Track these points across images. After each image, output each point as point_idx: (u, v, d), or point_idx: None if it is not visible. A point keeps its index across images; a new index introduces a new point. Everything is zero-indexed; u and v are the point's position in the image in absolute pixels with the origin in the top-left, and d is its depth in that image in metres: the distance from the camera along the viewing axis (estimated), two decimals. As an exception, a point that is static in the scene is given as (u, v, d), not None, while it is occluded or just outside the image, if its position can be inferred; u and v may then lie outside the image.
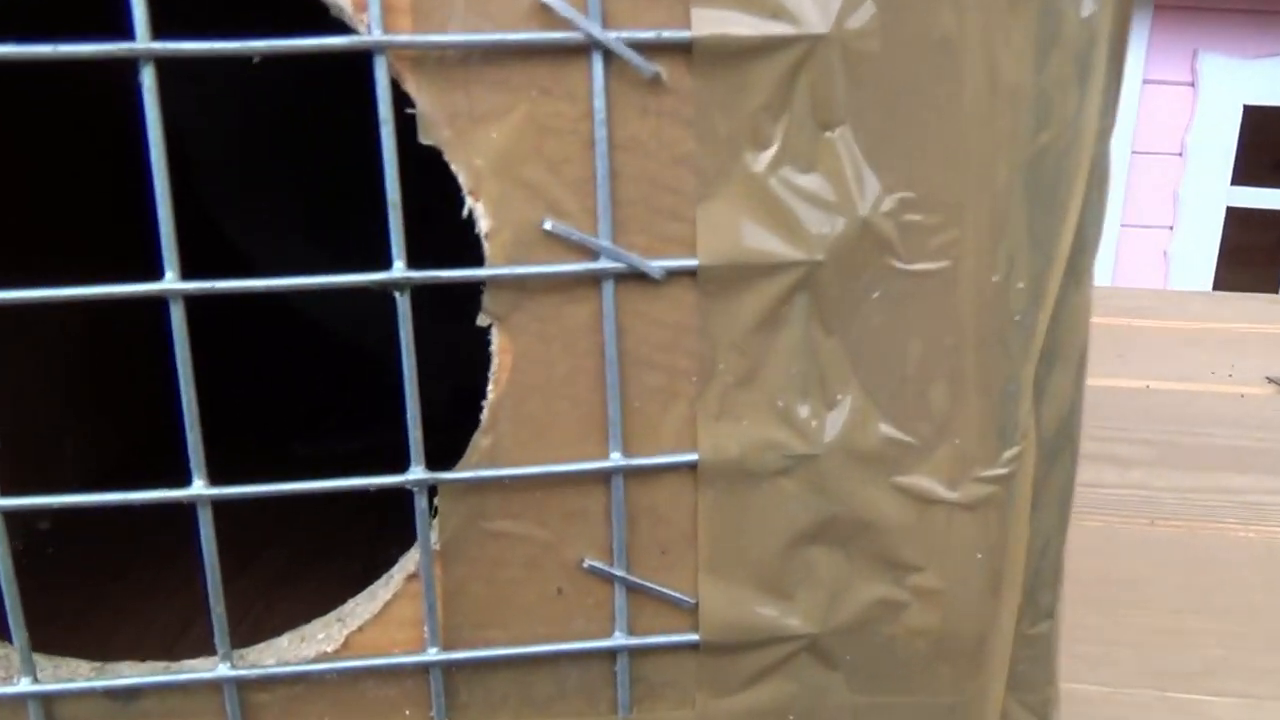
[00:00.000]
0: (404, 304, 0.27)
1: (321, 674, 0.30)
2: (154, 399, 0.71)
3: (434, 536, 0.30)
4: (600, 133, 0.27)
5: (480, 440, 0.29)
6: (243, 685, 0.30)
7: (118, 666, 0.32)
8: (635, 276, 0.28)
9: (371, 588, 0.32)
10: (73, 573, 0.50)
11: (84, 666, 0.31)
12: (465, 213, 0.28)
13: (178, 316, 0.26)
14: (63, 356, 0.57)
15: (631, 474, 0.30)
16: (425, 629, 0.30)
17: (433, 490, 0.29)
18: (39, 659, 0.30)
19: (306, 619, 0.48)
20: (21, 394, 0.53)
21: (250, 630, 0.48)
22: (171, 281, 0.26)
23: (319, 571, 0.53)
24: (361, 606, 0.31)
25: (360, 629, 0.30)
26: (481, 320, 0.28)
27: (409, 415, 0.28)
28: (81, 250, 0.59)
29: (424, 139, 0.27)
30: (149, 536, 0.56)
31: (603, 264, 0.28)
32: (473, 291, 0.28)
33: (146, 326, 0.71)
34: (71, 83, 0.59)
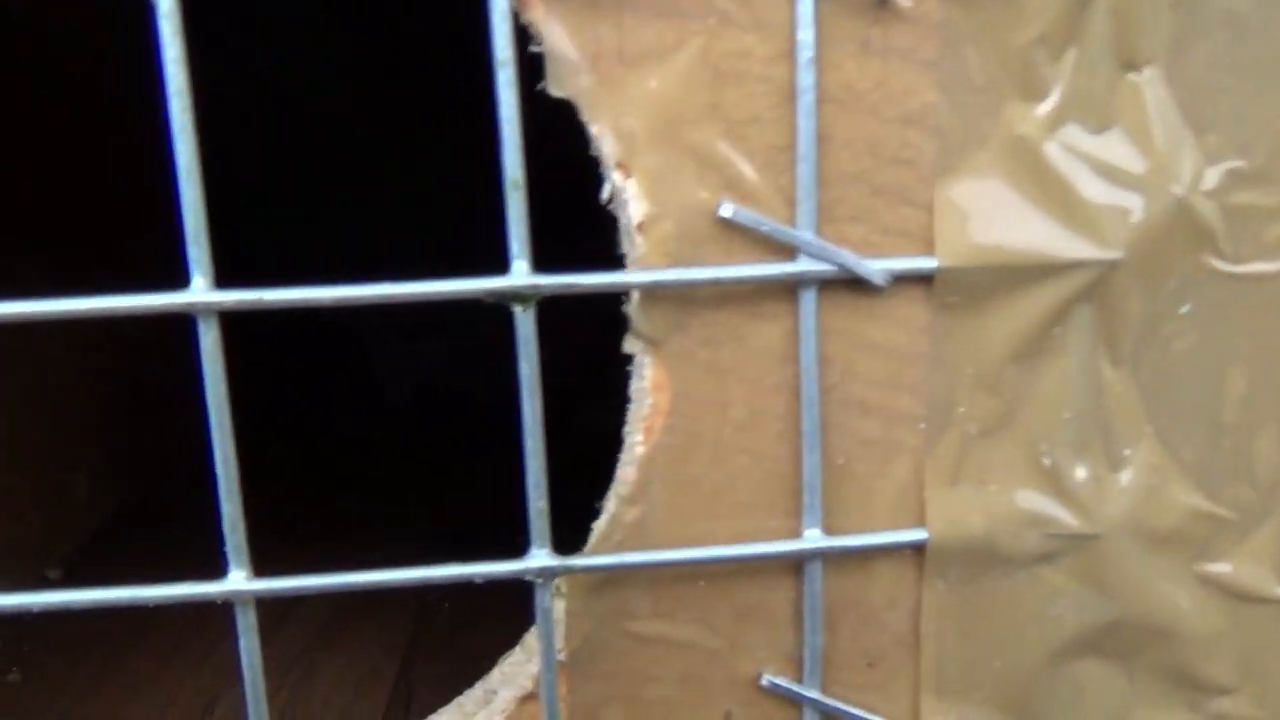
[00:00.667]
0: (526, 322, 0.19)
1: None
2: (172, 432, 0.65)
3: (557, 642, 0.22)
4: (805, 79, 0.19)
5: (623, 513, 0.21)
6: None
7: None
8: (846, 283, 0.20)
9: (460, 702, 0.24)
10: (85, 634, 0.43)
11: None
12: (607, 192, 0.20)
13: (209, 339, 0.18)
14: (77, 388, 0.51)
15: (833, 558, 0.21)
16: (546, 771, 0.22)
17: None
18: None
19: (350, 685, 0.40)
20: (31, 427, 0.47)
21: (289, 699, 0.41)
22: (202, 292, 0.18)
23: (362, 625, 0.45)
24: (456, 734, 0.23)
25: (455, 767, 0.22)
26: (628, 346, 0.20)
27: (531, 484, 0.20)
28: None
29: (554, 89, 0.19)
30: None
31: (802, 265, 0.20)
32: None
33: (167, 354, 0.65)
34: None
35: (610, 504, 0.21)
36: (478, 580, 0.20)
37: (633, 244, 0.20)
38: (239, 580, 0.20)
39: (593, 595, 0.21)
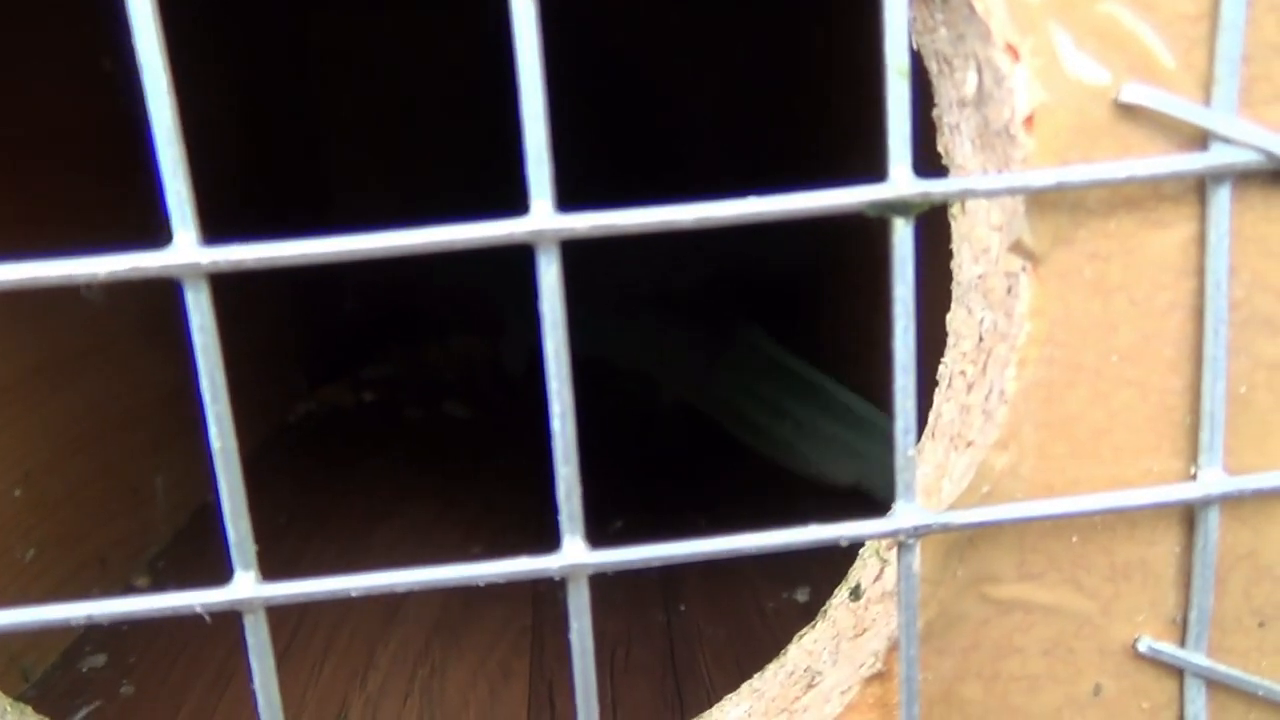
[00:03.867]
0: (906, 239, 0.16)
1: (730, 830, 0.20)
2: (246, 429, 0.62)
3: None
4: (1236, -72, 0.16)
5: (993, 460, 0.18)
6: None
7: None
8: (1262, 178, 0.17)
9: (774, 677, 0.21)
10: (191, 643, 0.40)
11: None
12: (972, 86, 0.17)
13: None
14: (153, 387, 0.48)
15: (1228, 504, 0.18)
16: (898, 760, 0.19)
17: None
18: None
19: (485, 683, 0.37)
20: (116, 428, 0.44)
21: (423, 702, 0.38)
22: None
23: (480, 616, 0.43)
24: (780, 722, 0.20)
25: (788, 760, 0.20)
26: (1009, 264, 0.18)
27: (900, 444, 0.17)
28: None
29: (939, -44, 0.16)
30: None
31: (1218, 156, 0.17)
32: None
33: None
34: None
35: (974, 450, 0.18)
36: (843, 542, 0.17)
37: (1013, 143, 0.17)
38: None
39: (953, 557, 0.19)
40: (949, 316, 0.20)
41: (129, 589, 0.44)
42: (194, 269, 0.15)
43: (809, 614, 0.43)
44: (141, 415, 0.47)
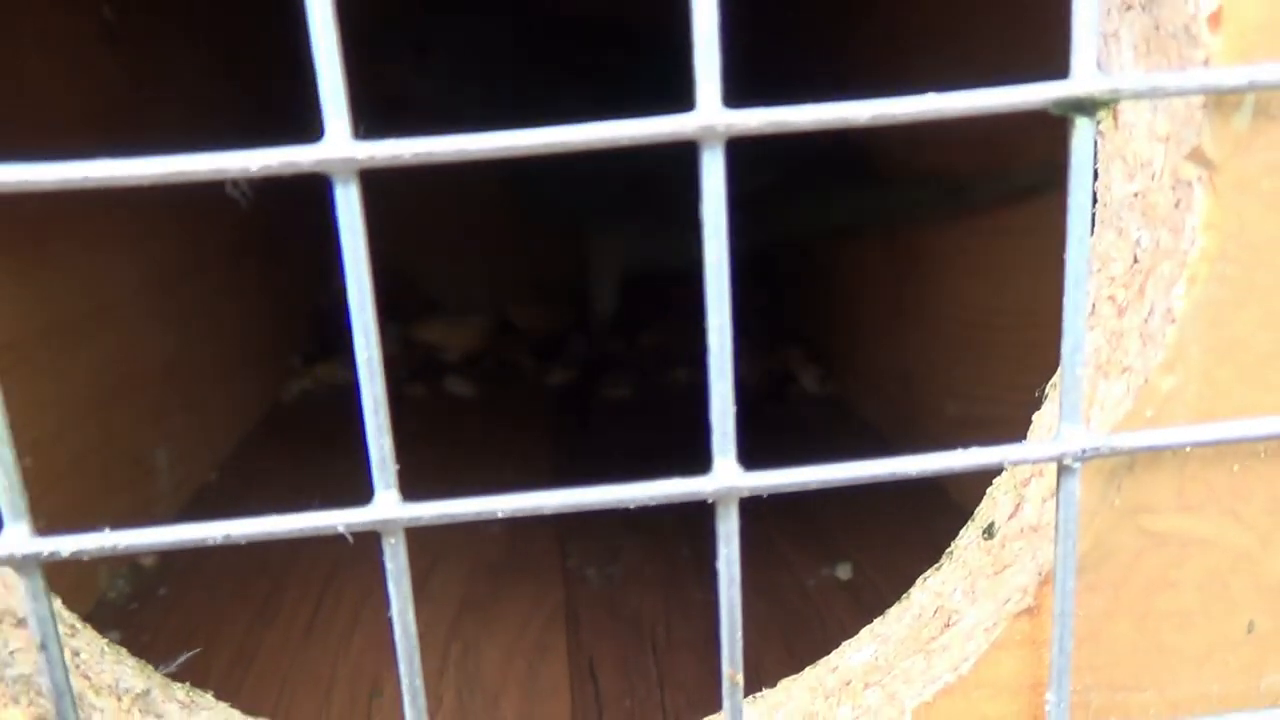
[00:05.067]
0: (1085, 139, 0.15)
1: (867, 775, 0.19)
2: (242, 407, 0.61)
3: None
4: None
5: (1158, 380, 0.17)
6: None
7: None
8: None
9: (899, 621, 0.21)
10: (200, 619, 0.39)
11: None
12: (1149, -12, 0.16)
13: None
14: (154, 356, 0.47)
15: (1396, 431, 0.18)
16: (1049, 700, 0.18)
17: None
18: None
19: (523, 659, 0.36)
20: (109, 403, 0.43)
21: (459, 678, 0.37)
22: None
23: (509, 595, 0.42)
24: (916, 662, 0.19)
25: (930, 702, 0.19)
26: (1182, 173, 0.17)
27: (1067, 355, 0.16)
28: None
29: None
30: (292, 558, 0.45)
31: None
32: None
33: (236, 326, 0.61)
34: None
35: (1131, 375, 0.18)
36: (1008, 464, 0.17)
37: (1194, 44, 0.16)
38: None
39: (1109, 485, 0.18)
40: (1093, 241, 0.19)
41: (134, 567, 0.42)
42: (348, 164, 0.14)
43: (851, 590, 0.43)
44: (142, 385, 0.46)
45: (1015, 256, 0.39)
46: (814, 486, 0.16)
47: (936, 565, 0.21)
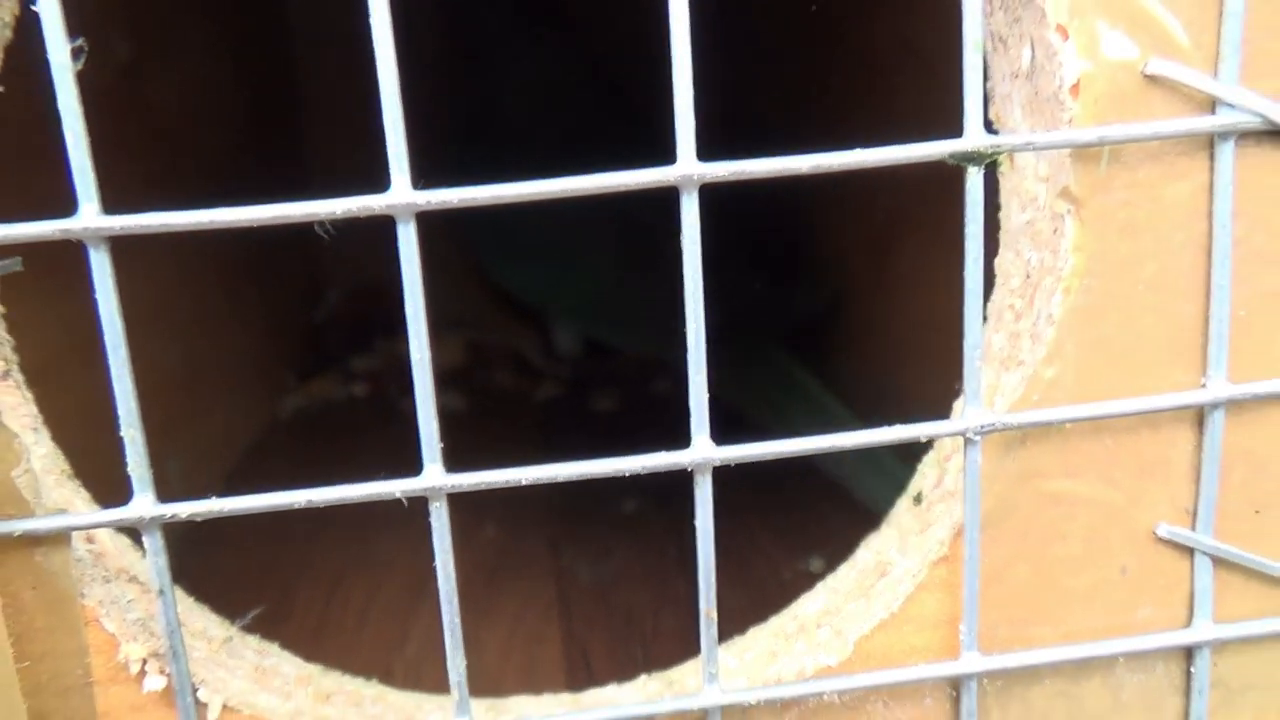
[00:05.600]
0: (977, 185, 0.20)
1: (819, 696, 0.23)
2: (248, 414, 0.64)
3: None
4: (1239, -68, 0.20)
5: (1042, 371, 0.22)
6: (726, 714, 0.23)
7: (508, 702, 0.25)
8: (1258, 136, 0.21)
9: (846, 575, 0.25)
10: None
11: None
12: (1026, 60, 0.21)
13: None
14: (162, 370, 0.50)
15: (1230, 408, 0.22)
16: (961, 630, 0.23)
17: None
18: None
19: (521, 649, 0.39)
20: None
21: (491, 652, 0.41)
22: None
23: (504, 590, 0.45)
24: (859, 605, 0.24)
25: (868, 634, 0.23)
26: (1057, 207, 0.21)
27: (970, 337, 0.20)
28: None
29: (1004, -45, 0.20)
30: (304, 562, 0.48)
31: (1226, 118, 0.21)
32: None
33: (248, 333, 0.64)
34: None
35: (1024, 368, 0.22)
36: (922, 438, 0.21)
37: (1061, 107, 0.21)
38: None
39: (1006, 455, 0.22)
40: (996, 260, 0.24)
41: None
42: (409, 208, 0.18)
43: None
44: (153, 398, 0.48)
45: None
46: (774, 456, 0.21)
47: (876, 529, 0.26)
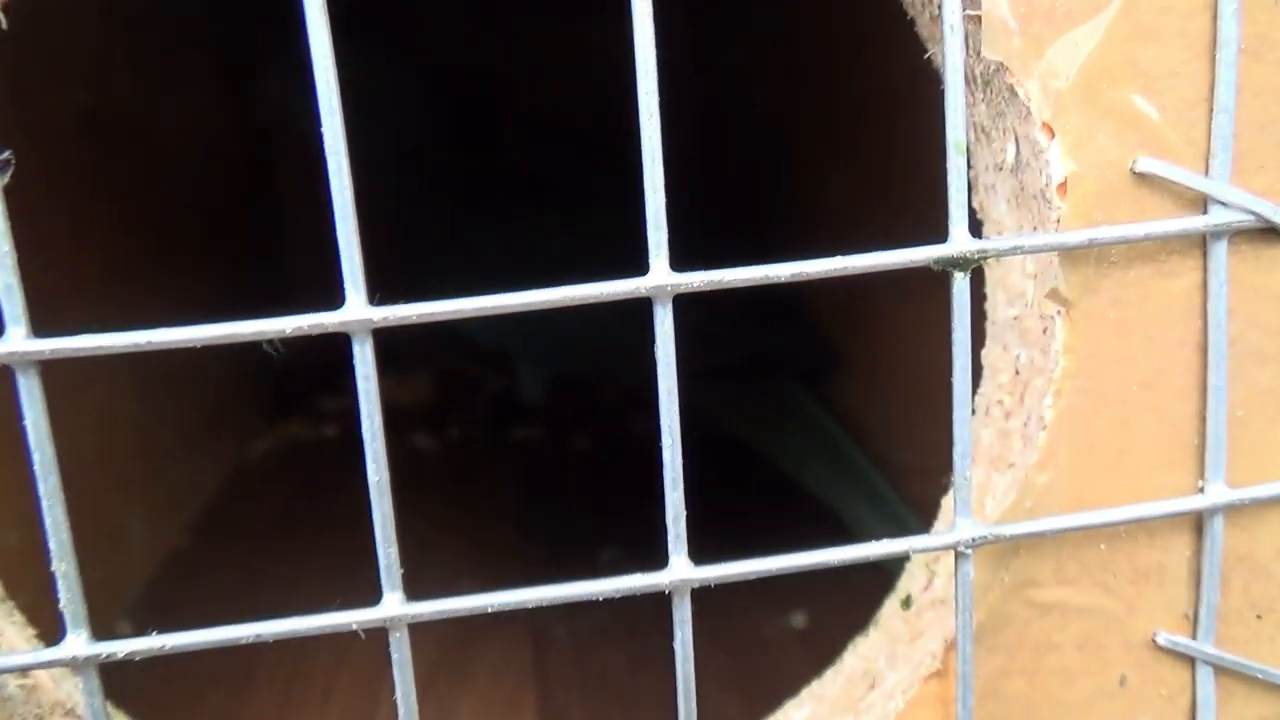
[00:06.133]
0: (964, 291, 0.19)
1: (807, 819, 0.22)
2: (210, 468, 0.62)
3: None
4: (1229, 30, 0.19)
5: (1034, 477, 0.21)
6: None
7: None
8: (1252, 234, 0.20)
9: (833, 683, 0.24)
10: (179, 690, 0.40)
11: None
12: (1010, 155, 0.20)
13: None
14: (122, 425, 0.48)
15: (1230, 512, 0.21)
16: (955, 748, 0.21)
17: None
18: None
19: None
20: (92, 467, 0.44)
21: None
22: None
23: (479, 654, 0.44)
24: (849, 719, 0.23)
25: (856, 753, 0.22)
26: (1045, 308, 0.20)
27: (958, 455, 0.19)
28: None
29: (989, 53, 0.19)
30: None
31: (1218, 217, 0.20)
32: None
33: (214, 390, 0.63)
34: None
35: (1015, 470, 0.21)
36: (911, 554, 0.20)
37: (1049, 206, 0.20)
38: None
39: (1000, 565, 0.21)
40: (984, 352, 0.23)
41: (110, 635, 0.44)
42: (364, 324, 0.17)
43: (807, 640, 0.46)
44: (113, 455, 0.47)
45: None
46: (755, 576, 0.19)
47: (864, 631, 0.25)
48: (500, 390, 0.76)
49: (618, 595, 0.19)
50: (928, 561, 0.23)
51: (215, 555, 0.53)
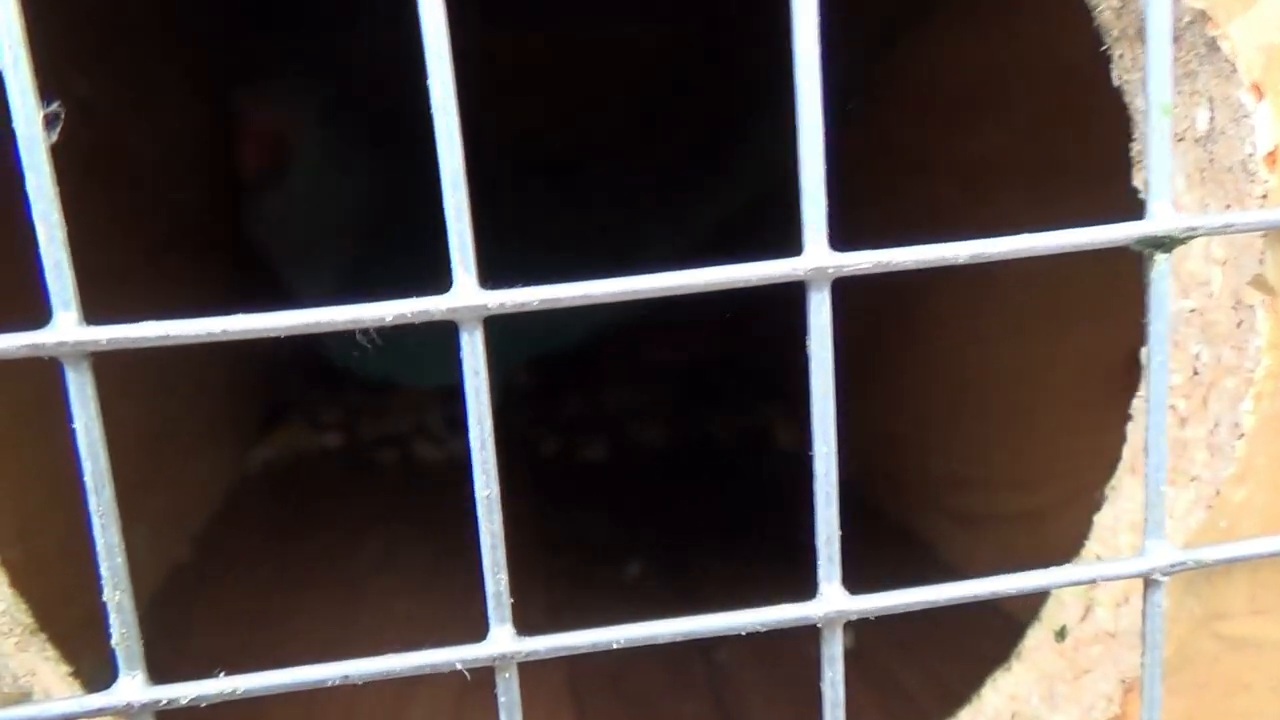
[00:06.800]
0: (1162, 278, 0.16)
1: None
2: (211, 480, 0.59)
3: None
4: None
5: (1230, 493, 0.18)
6: None
7: None
8: None
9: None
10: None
11: None
12: (1203, 122, 0.18)
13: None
14: (130, 436, 0.45)
15: None
16: (1135, 806, 0.19)
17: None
18: None
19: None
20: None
21: None
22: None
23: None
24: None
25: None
26: (1243, 297, 0.18)
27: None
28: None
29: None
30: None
31: None
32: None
33: (216, 399, 0.60)
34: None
35: (1199, 485, 0.18)
36: (1099, 582, 0.17)
37: (1250, 179, 0.17)
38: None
39: (1188, 594, 0.18)
40: (1143, 350, 0.20)
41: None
42: (476, 312, 0.15)
43: (854, 658, 0.42)
44: (120, 464, 0.45)
45: (1004, 318, 0.40)
46: (918, 608, 0.17)
47: (1005, 665, 0.22)
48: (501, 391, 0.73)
49: (763, 629, 0.16)
50: (1085, 589, 0.21)
51: (218, 568, 0.50)
